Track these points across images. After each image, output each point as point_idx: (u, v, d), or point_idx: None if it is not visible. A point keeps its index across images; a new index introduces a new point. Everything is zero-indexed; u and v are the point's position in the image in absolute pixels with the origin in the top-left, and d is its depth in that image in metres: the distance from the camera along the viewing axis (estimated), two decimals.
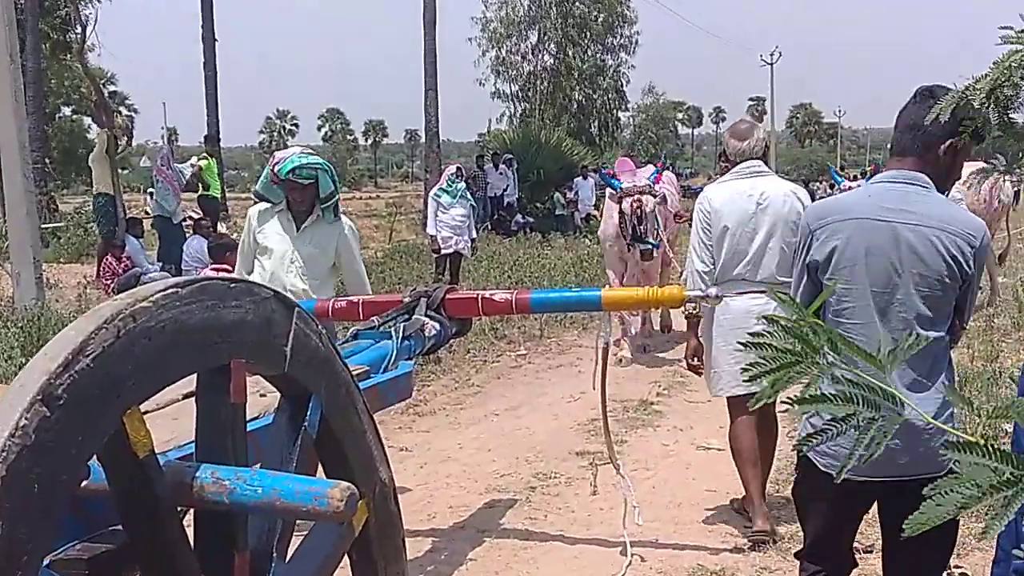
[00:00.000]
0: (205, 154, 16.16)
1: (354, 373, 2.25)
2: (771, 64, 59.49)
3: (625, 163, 9.18)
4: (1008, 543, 2.71)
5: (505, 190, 21.28)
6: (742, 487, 4.73)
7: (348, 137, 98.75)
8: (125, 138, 13.96)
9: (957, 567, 3.76)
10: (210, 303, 1.64)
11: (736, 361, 4.36)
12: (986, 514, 1.35)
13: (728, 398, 4.70)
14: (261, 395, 2.38)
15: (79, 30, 17.72)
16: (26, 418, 1.30)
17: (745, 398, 4.37)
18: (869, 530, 4.51)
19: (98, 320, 1.45)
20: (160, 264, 12.53)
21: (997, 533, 1.38)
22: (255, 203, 5.44)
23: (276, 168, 4.89)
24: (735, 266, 4.56)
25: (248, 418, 1.91)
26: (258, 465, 1.86)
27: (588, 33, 37.54)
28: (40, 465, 1.31)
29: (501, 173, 21.32)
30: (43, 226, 13.34)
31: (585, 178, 21.99)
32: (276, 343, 1.82)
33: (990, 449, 1.34)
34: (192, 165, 14.37)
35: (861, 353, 1.45)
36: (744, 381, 1.49)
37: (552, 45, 37.38)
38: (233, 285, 1.74)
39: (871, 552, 4.25)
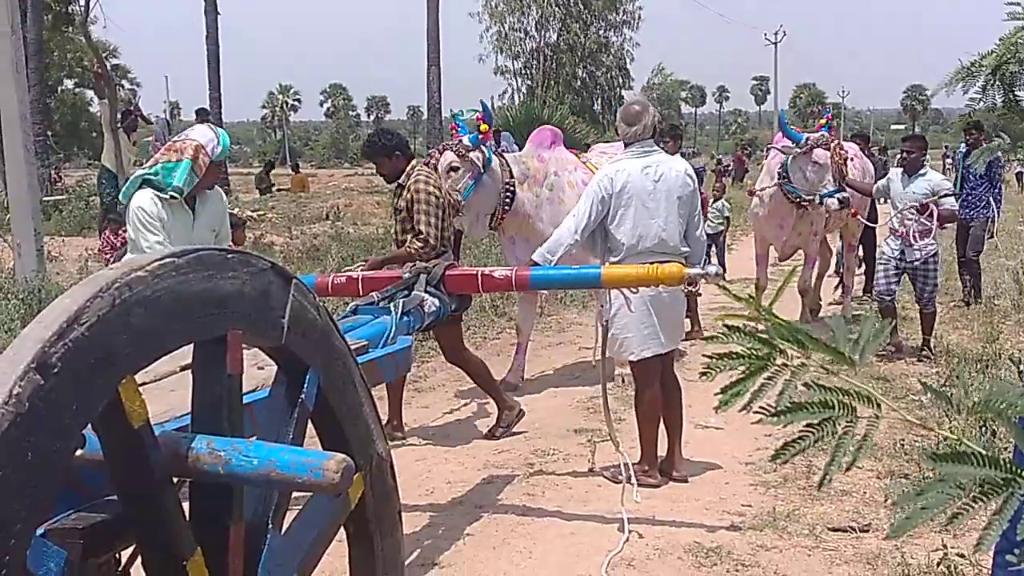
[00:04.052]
0: None
1: (353, 347, 2.24)
2: (775, 43, 59.24)
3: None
4: (1012, 533, 2.64)
5: None
6: (663, 450, 5.14)
7: (351, 113, 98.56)
8: (134, 116, 13.80)
9: (952, 548, 3.76)
10: (207, 273, 1.64)
11: (645, 326, 4.87)
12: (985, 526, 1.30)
13: (633, 361, 5.02)
14: (259, 367, 2.38)
15: (82, 2, 17.63)
16: (20, 386, 1.30)
17: (651, 361, 4.94)
18: (866, 509, 4.53)
19: (93, 288, 1.44)
20: None
21: (992, 544, 1.30)
22: (121, 205, 5.04)
23: (215, 149, 4.50)
24: (642, 239, 4.84)
25: (245, 390, 1.90)
26: (254, 437, 1.86)
27: (590, 9, 37.29)
28: (34, 434, 1.30)
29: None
30: (44, 199, 13.31)
31: None
32: (273, 315, 1.81)
33: (977, 456, 1.28)
34: None
35: (829, 350, 1.40)
36: (718, 394, 1.43)
37: (555, 21, 37.16)
38: (230, 256, 1.73)
39: (867, 531, 4.27)
